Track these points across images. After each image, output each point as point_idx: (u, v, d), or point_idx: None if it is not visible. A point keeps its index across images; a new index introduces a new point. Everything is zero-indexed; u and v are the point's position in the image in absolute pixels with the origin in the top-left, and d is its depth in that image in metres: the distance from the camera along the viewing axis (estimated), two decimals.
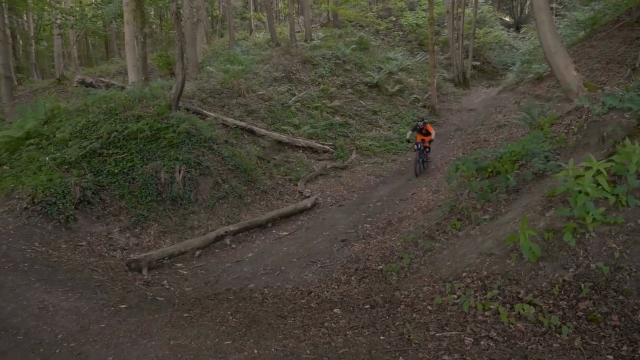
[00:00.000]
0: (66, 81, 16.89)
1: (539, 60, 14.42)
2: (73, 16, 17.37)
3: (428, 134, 10.41)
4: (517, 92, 14.36)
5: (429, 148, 10.59)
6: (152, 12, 22.56)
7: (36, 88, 17.31)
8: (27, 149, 8.04)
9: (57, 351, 3.44)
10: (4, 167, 7.89)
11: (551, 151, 5.54)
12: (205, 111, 10.66)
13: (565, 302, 3.40)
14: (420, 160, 10.36)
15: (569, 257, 3.66)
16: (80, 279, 5.23)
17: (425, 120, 10.82)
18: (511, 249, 4.08)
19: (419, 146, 10.20)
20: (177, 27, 9.75)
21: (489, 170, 5.71)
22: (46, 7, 18.95)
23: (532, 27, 19.23)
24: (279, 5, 31.38)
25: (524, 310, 3.44)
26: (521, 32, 23.48)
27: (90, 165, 7.68)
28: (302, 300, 4.72)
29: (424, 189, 8.82)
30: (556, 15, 17.18)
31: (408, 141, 11.15)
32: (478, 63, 20.33)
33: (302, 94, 13.57)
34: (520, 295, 3.59)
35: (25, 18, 24.41)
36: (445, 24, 20.41)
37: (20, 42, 25.29)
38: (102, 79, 12.60)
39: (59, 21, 17.03)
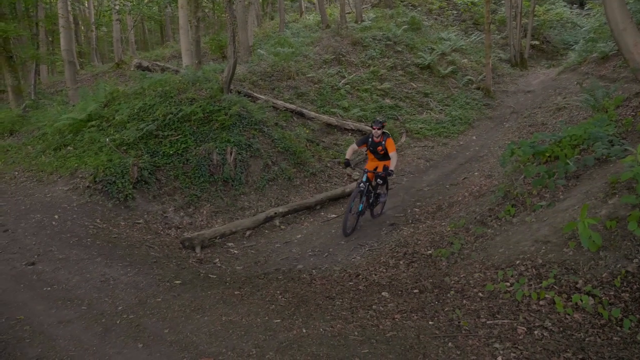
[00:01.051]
0: (124, 65, 17.53)
1: (604, 38, 13.58)
2: (130, 2, 17.94)
3: (385, 156, 6.55)
4: (579, 72, 13.62)
5: (384, 182, 6.71)
6: None
7: (97, 72, 18.07)
8: (89, 131, 8.44)
9: (117, 322, 3.63)
10: (69, 147, 8.33)
11: (616, 135, 5.23)
12: (255, 94, 10.78)
13: (627, 295, 3.23)
14: (359, 207, 6.40)
15: (633, 247, 3.47)
16: (138, 254, 5.48)
17: (382, 123, 6.58)
18: (569, 237, 3.91)
19: (363, 184, 6.26)
20: (229, 11, 9.85)
21: (547, 154, 5.46)
22: None
23: (597, 3, 18.10)
24: None
25: (582, 300, 3.30)
26: (585, 8, 22.09)
27: (147, 147, 7.96)
28: (350, 283, 4.73)
29: (476, 173, 8.58)
30: None
31: (346, 165, 6.68)
32: (537, 42, 19.34)
33: (352, 76, 13.44)
34: (578, 285, 3.44)
35: (86, 5, 25.44)
36: (503, 2, 19.56)
37: (82, 28, 26.38)
38: (158, 62, 12.98)
39: (117, 7, 17.64)
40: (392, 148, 6.46)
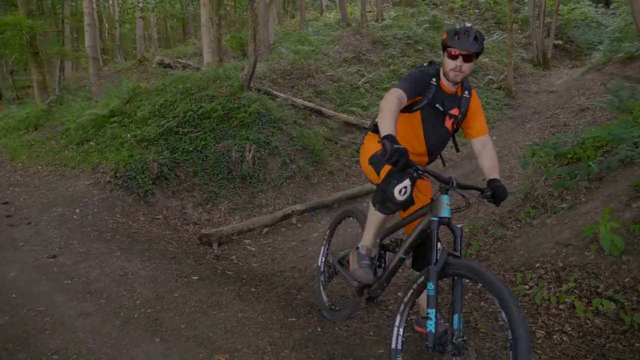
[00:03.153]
0: (146, 62, 17.75)
1: (630, 38, 13.26)
2: (154, 0, 18.16)
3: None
4: (603, 73, 13.32)
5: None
6: None
7: (120, 69, 18.34)
8: (111, 126, 8.58)
9: (135, 316, 3.68)
10: (91, 142, 8.48)
11: None
12: (275, 92, 10.81)
13: None
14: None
15: None
16: (157, 249, 5.54)
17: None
18: (591, 240, 3.83)
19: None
20: (250, 9, 9.91)
21: (569, 156, 5.35)
22: None
23: (623, 2, 17.69)
24: None
25: (602, 305, 3.23)
26: (611, 7, 21.62)
27: (167, 143, 8.06)
28: None
29: None
30: None
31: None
32: (560, 42, 18.99)
33: (372, 75, 13.38)
34: (599, 290, 3.37)
35: (110, 2, 25.82)
36: (526, 1, 19.25)
37: (106, 25, 26.80)
38: (179, 60, 13.12)
39: (141, 5, 17.87)
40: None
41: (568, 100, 12.35)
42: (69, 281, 4.33)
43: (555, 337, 3.13)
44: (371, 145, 3.02)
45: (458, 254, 2.34)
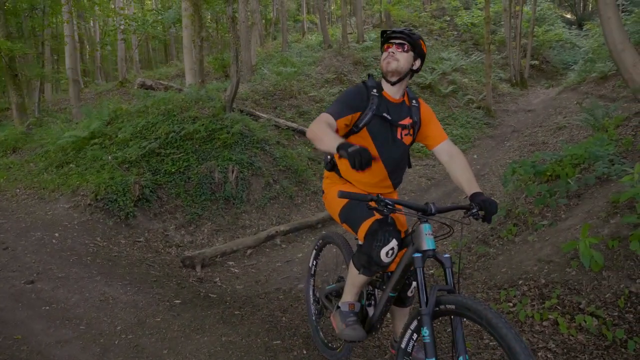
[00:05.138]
0: (128, 84, 17.70)
1: (603, 58, 13.70)
2: (135, 22, 18.20)
3: None
4: (579, 92, 13.70)
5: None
6: (209, 17, 23.23)
7: (100, 90, 18.23)
8: (92, 148, 8.47)
9: (116, 342, 3.59)
10: (71, 165, 8.36)
11: (616, 154, 5.24)
12: (258, 112, 10.85)
13: (632, 315, 3.19)
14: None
15: (636, 267, 3.44)
16: (138, 273, 5.44)
17: None
18: (572, 256, 3.88)
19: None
20: (232, 31, 9.99)
21: (548, 173, 5.46)
22: (111, 14, 19.96)
23: (596, 24, 18.29)
24: (332, 7, 31.50)
25: (585, 321, 3.26)
26: (584, 29, 22.36)
27: (149, 165, 7.99)
28: None
29: None
30: (623, 12, 16.25)
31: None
32: (536, 62, 19.55)
33: None
34: (581, 306, 3.41)
35: (91, 24, 25.77)
36: (502, 23, 19.79)
37: (87, 47, 26.71)
38: (161, 81, 13.09)
39: (122, 27, 17.88)
40: None
41: (546, 119, 12.64)
42: (47, 307, 4.21)
43: (540, 354, 3.14)
44: (333, 192, 2.69)
45: (451, 287, 2.10)
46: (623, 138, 5.78)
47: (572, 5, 28.34)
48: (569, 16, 27.38)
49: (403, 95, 2.63)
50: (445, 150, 2.71)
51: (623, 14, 16.12)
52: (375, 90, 2.55)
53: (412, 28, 2.37)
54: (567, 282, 3.67)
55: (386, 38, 2.54)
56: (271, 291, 5.36)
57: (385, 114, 2.54)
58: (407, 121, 2.62)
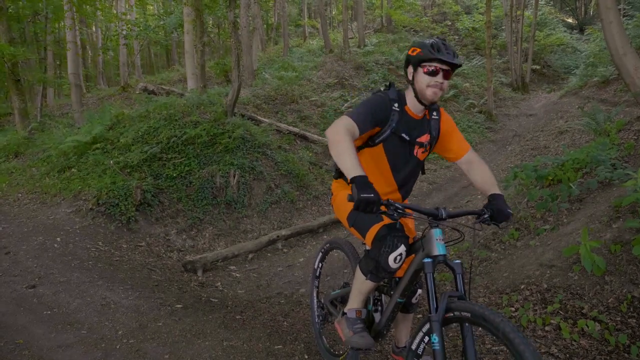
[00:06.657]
0: (130, 89, 17.73)
1: (604, 62, 13.72)
2: (137, 27, 18.26)
3: None
4: (580, 96, 13.71)
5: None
6: (211, 22, 23.31)
7: (102, 95, 18.27)
8: (94, 153, 8.50)
9: (117, 347, 3.59)
10: (73, 169, 8.37)
11: (618, 159, 5.24)
12: (259, 117, 10.87)
13: (634, 320, 3.18)
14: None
15: (638, 272, 3.43)
16: (140, 278, 5.44)
17: None
18: (574, 261, 3.87)
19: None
20: (234, 36, 10.02)
21: (550, 178, 5.46)
22: (113, 19, 20.04)
23: (597, 29, 18.31)
24: (333, 12, 31.61)
25: (588, 326, 3.25)
26: (585, 33, 22.39)
27: (151, 169, 8.00)
28: None
29: (479, 196, 8.56)
30: (624, 16, 16.28)
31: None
32: (538, 67, 19.58)
33: (355, 99, 13.56)
34: (584, 311, 3.40)
35: (94, 29, 25.88)
36: (503, 27, 19.84)
37: (90, 52, 26.81)
38: (163, 86, 13.14)
39: (124, 32, 17.94)
40: None
41: (547, 123, 12.64)
42: (49, 312, 4.21)
43: (543, 359, 3.12)
44: (342, 196, 2.63)
45: (461, 293, 2.08)
46: (625, 142, 5.78)
47: (574, 10, 28.40)
48: (570, 20, 27.43)
49: (425, 110, 2.48)
50: (467, 160, 2.61)
51: (624, 18, 16.14)
52: (396, 105, 2.39)
53: (453, 47, 2.27)
54: (569, 287, 3.66)
55: (430, 59, 2.27)
56: (273, 295, 5.35)
57: (404, 134, 2.42)
58: (425, 138, 2.51)
